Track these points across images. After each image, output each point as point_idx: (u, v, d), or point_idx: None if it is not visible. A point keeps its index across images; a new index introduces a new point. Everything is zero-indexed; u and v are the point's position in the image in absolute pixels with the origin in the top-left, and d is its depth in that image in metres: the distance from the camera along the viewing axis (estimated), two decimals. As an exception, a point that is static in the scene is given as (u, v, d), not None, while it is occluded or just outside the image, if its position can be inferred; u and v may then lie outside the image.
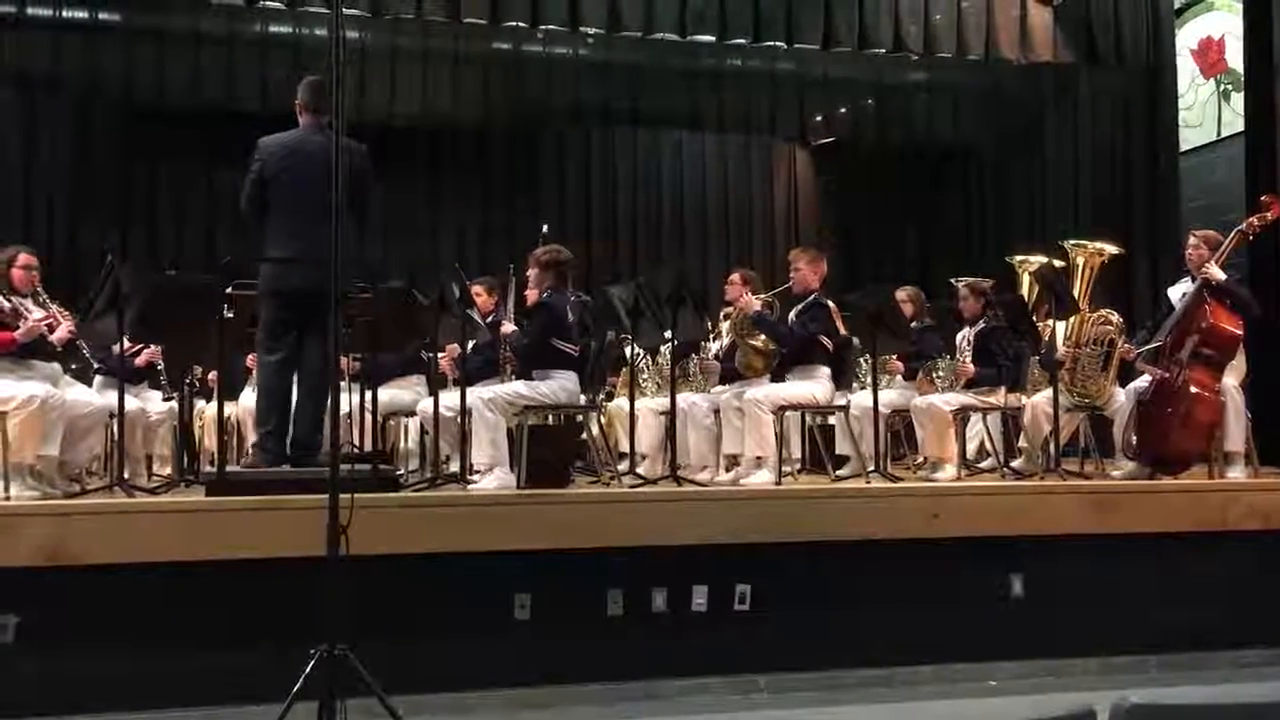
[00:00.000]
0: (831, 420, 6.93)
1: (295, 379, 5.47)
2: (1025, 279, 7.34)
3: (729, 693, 5.13)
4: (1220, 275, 6.14)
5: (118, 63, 9.62)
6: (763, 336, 6.47)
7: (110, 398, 5.73)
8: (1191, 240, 6.46)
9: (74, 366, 5.91)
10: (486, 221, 10.79)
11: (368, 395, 5.98)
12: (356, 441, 6.12)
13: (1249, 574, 5.74)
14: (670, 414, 6.22)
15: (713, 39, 8.78)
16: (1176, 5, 9.23)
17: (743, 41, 8.89)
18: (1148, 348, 6.35)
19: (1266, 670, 5.56)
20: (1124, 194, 9.62)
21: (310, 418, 5.36)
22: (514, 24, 8.56)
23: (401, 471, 6.38)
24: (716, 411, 6.49)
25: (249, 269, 5.51)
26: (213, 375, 7.11)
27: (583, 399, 6.28)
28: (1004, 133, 10.98)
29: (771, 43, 8.89)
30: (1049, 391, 6.45)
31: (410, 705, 4.06)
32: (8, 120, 9.55)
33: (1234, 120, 8.44)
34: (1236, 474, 6.11)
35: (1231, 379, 6.19)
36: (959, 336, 7.08)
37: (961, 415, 6.60)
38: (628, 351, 7.03)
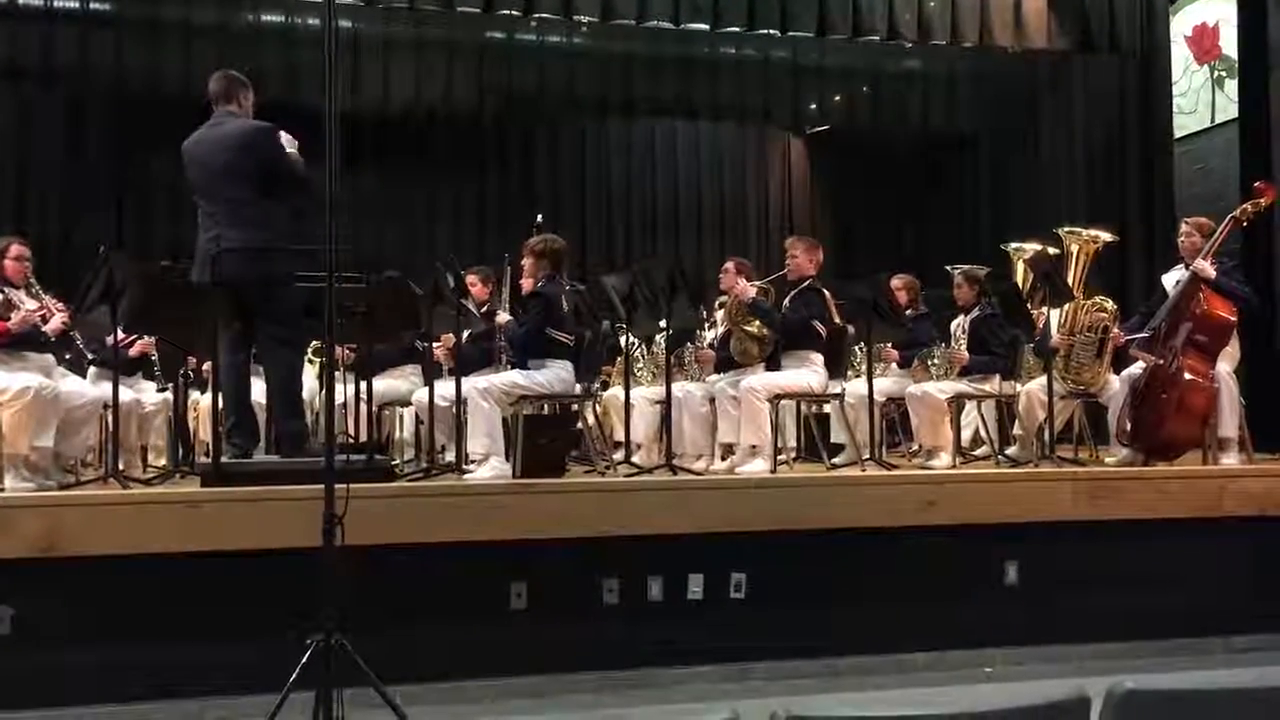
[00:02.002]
0: (827, 409, 6.94)
1: (249, 369, 5.48)
2: (1020, 266, 7.34)
3: (725, 681, 5.14)
4: (1211, 273, 6.13)
5: (109, 53, 9.58)
6: (757, 323, 6.47)
7: (104, 389, 5.72)
8: (1184, 228, 6.47)
9: (67, 358, 5.90)
10: (480, 211, 10.76)
11: (363, 385, 5.97)
12: (352, 431, 6.12)
13: (1243, 560, 5.76)
14: (665, 403, 6.22)
15: (706, 27, 8.76)
16: (1170, -8, 9.23)
17: (737, 29, 8.87)
18: (1140, 335, 6.36)
19: (1260, 655, 5.58)
20: (1118, 181, 9.62)
21: (281, 410, 5.36)
22: (507, 12, 8.53)
23: (397, 461, 6.38)
24: (712, 400, 6.49)
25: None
26: (207, 366, 7.09)
27: (578, 388, 6.27)
28: (998, 120, 10.97)
29: (765, 31, 8.87)
30: (1043, 379, 6.45)
31: (406, 694, 4.07)
32: (0, 111, 9.52)
33: (1228, 107, 8.43)
34: (1230, 460, 6.13)
35: (1225, 365, 6.20)
36: (953, 324, 7.09)
37: (956, 403, 6.61)
38: (623, 340, 7.03)
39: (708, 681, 5.12)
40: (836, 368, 6.72)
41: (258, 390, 5.66)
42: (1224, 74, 8.53)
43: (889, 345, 7.15)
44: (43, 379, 5.28)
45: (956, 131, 11.30)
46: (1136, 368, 6.36)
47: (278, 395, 5.37)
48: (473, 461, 5.75)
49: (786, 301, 6.58)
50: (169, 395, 6.82)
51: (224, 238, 5.13)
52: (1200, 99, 8.78)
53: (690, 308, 6.25)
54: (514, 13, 8.50)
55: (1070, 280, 6.63)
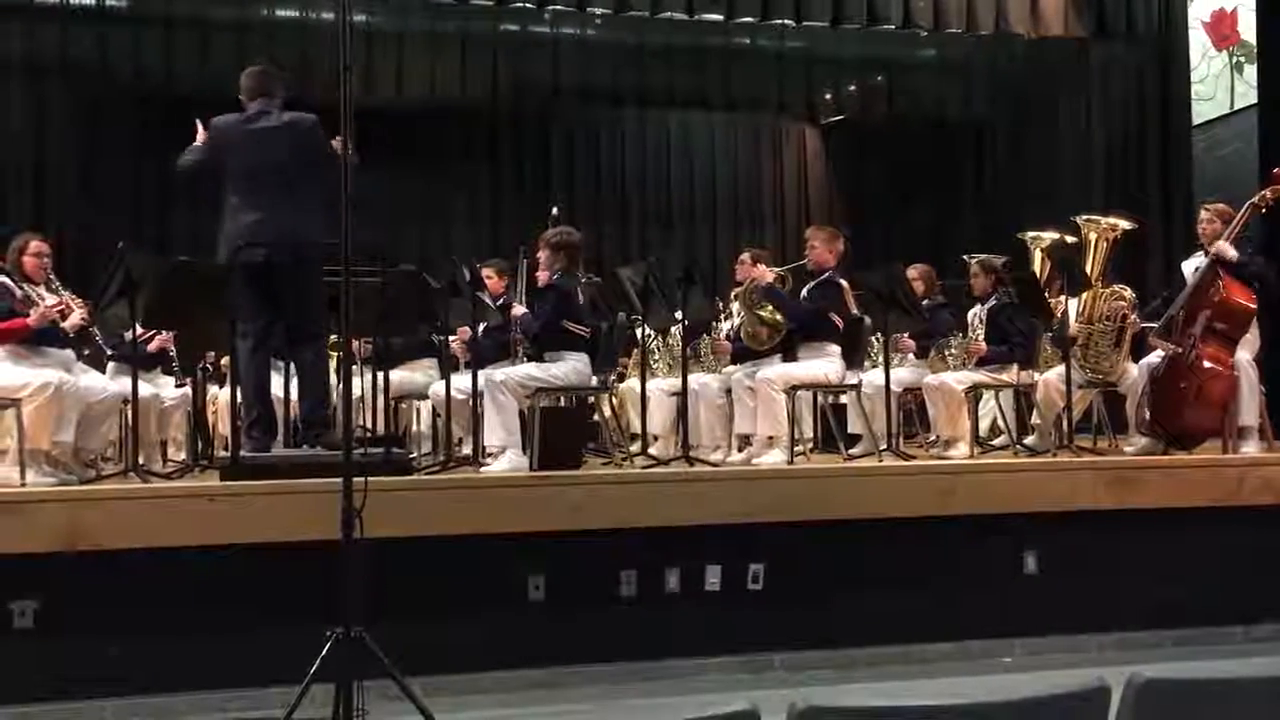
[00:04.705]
0: (843, 399, 6.92)
1: (270, 362, 5.50)
2: (1037, 255, 7.30)
3: (742, 672, 5.14)
4: (1232, 254, 6.09)
5: (126, 49, 9.61)
6: (770, 307, 6.45)
7: (124, 384, 5.75)
8: (1203, 214, 6.42)
9: (86, 353, 5.94)
10: (496, 204, 10.78)
11: (379, 378, 5.99)
12: (369, 425, 6.14)
13: (1263, 548, 5.72)
14: (682, 394, 6.22)
15: (721, 18, 8.74)
16: (1188, -23, 9.16)
17: (751, 20, 8.85)
18: (1158, 323, 6.32)
19: (1281, 645, 5.56)
20: (1136, 168, 9.56)
21: (314, 395, 5.37)
22: (521, 5, 8.54)
23: (414, 455, 6.39)
24: (728, 391, 6.48)
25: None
26: (225, 360, 7.13)
27: (594, 380, 6.28)
28: (1014, 108, 10.91)
29: (780, 20, 8.85)
30: (1061, 368, 6.42)
31: (426, 686, 4.08)
32: (18, 109, 9.56)
33: (1247, 93, 8.37)
34: (1250, 448, 6.09)
35: (1245, 353, 6.16)
36: (971, 314, 7.06)
37: (974, 393, 6.58)
38: (639, 333, 7.03)
39: (725, 673, 5.13)
40: (853, 358, 6.70)
41: (276, 384, 5.68)
42: (1243, 59, 8.47)
43: (906, 335, 7.13)
44: (63, 374, 5.31)
45: (972, 120, 11.24)
46: (1155, 356, 6.33)
47: (310, 386, 5.38)
48: (490, 454, 5.76)
49: (804, 292, 6.56)
50: (188, 390, 6.86)
51: (273, 224, 5.15)
52: (1219, 85, 8.71)
53: (705, 299, 6.24)
54: (528, 5, 8.50)
55: (1088, 268, 6.60)
